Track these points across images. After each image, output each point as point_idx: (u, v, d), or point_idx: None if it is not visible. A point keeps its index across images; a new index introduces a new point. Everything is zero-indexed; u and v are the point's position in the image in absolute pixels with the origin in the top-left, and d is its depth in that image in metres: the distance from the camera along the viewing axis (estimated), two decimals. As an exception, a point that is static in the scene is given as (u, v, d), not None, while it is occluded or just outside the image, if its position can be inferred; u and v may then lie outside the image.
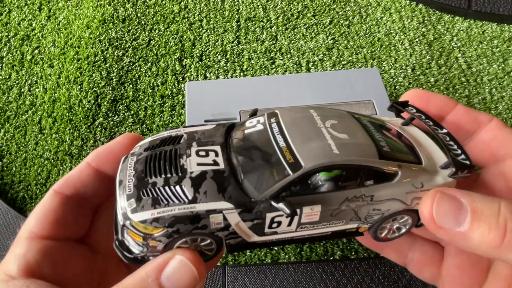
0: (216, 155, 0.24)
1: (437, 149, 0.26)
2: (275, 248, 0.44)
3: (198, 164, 0.23)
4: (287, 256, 0.44)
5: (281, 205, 0.22)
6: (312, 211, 0.23)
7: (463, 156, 0.24)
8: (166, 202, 0.22)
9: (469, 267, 0.27)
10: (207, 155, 0.24)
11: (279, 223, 0.23)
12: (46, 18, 0.65)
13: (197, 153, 0.24)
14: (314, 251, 0.44)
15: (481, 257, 0.27)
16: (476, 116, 0.27)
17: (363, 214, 0.25)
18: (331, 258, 0.44)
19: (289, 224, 0.24)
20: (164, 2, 0.66)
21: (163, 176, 0.23)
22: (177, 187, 0.22)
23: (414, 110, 0.28)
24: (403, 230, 0.27)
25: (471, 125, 0.27)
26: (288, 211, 0.22)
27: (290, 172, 0.22)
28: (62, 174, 0.50)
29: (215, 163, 0.23)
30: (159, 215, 0.21)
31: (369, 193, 0.24)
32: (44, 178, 0.50)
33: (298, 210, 0.23)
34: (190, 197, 0.22)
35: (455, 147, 0.25)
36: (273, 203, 0.22)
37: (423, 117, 0.27)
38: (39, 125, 0.54)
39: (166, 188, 0.22)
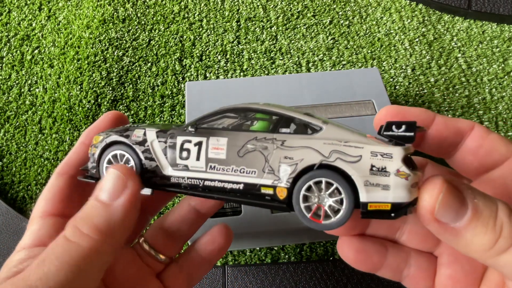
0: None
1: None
2: (275, 248, 0.44)
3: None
4: (287, 256, 0.44)
5: (190, 127, 0.24)
6: (218, 143, 0.24)
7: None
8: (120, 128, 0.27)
9: (462, 278, 0.26)
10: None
11: (188, 152, 0.25)
12: (46, 18, 0.65)
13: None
14: (314, 251, 0.44)
15: (475, 267, 0.26)
16: (457, 126, 0.25)
17: (275, 163, 0.22)
18: (331, 258, 0.44)
19: (198, 158, 0.24)
20: (164, 2, 0.66)
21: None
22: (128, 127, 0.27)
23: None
24: (338, 216, 0.21)
25: (453, 137, 0.25)
26: (192, 128, 0.24)
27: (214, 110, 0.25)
28: (62, 174, 0.50)
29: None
30: (107, 131, 0.27)
31: (281, 138, 0.23)
32: (44, 178, 0.50)
33: (204, 139, 0.24)
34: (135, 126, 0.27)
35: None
36: (185, 128, 0.25)
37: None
38: (39, 125, 0.54)
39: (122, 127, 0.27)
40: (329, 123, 0.23)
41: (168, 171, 0.25)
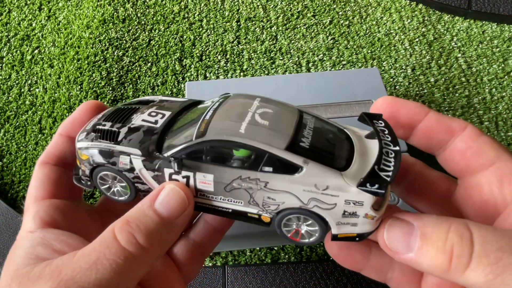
0: (162, 117, 0.28)
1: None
2: (275, 248, 0.44)
3: (143, 120, 0.27)
4: (287, 256, 0.44)
5: (172, 162, 0.25)
6: (205, 179, 0.25)
7: (388, 174, 0.22)
8: (101, 139, 0.26)
9: (448, 284, 0.27)
10: (156, 115, 0.28)
11: (177, 181, 0.25)
12: (46, 18, 0.65)
13: (149, 113, 0.28)
14: (314, 251, 0.44)
15: None
16: (449, 124, 0.26)
17: (259, 200, 0.25)
18: (331, 258, 0.44)
19: (187, 185, 0.25)
20: (164, 2, 0.66)
21: (111, 122, 0.27)
22: (116, 132, 0.27)
23: (383, 124, 0.26)
24: (314, 237, 0.25)
25: (443, 134, 0.26)
26: (175, 167, 0.25)
27: (193, 138, 0.25)
28: (62, 174, 0.50)
29: (155, 122, 0.27)
30: (90, 145, 0.26)
31: (264, 179, 0.24)
32: (44, 178, 0.50)
33: (191, 174, 0.25)
34: (118, 140, 0.26)
35: (391, 164, 0.23)
36: (170, 160, 0.25)
37: (386, 132, 0.25)
38: (39, 125, 0.54)
39: (109, 130, 0.27)
40: (310, 161, 0.23)
41: None
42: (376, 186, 0.22)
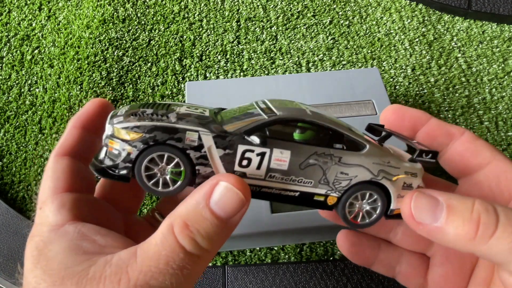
0: (204, 111, 0.26)
1: (407, 155, 0.28)
2: (275, 248, 0.44)
3: (187, 109, 0.26)
4: (287, 256, 0.44)
5: (252, 137, 0.24)
6: (282, 155, 0.24)
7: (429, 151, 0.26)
8: (150, 120, 0.24)
9: (453, 275, 0.29)
10: (197, 109, 0.26)
11: (249, 161, 0.24)
12: (46, 18, 0.65)
13: (187, 107, 0.27)
14: (314, 251, 0.44)
15: (464, 265, 0.29)
16: (449, 129, 0.29)
17: (331, 177, 0.25)
18: (331, 258, 0.44)
19: (258, 167, 0.24)
20: (164, 2, 0.66)
21: (153, 109, 0.25)
22: (163, 116, 0.24)
23: (388, 132, 0.29)
24: (374, 216, 0.27)
25: (443, 137, 0.29)
26: (257, 140, 0.24)
27: (265, 116, 0.25)
28: (62, 174, 0.50)
29: (202, 112, 0.26)
30: (141, 123, 0.23)
31: (338, 154, 0.25)
32: (44, 178, 0.50)
33: (268, 150, 0.24)
34: (173, 121, 0.24)
35: (424, 146, 0.27)
36: (245, 136, 0.24)
37: (396, 134, 0.29)
38: (39, 125, 0.54)
39: (154, 114, 0.24)
40: (369, 142, 0.26)
41: None
42: (430, 155, 0.26)
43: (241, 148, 0.24)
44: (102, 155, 0.25)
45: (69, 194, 0.26)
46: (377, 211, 0.27)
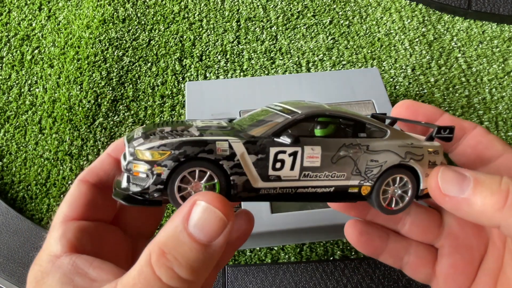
0: (220, 123, 0.26)
1: (421, 137, 0.29)
2: (275, 248, 0.44)
3: (203, 123, 0.25)
4: (287, 256, 0.44)
5: (282, 137, 0.24)
6: (313, 152, 0.25)
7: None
8: (174, 136, 0.23)
9: (461, 266, 0.29)
10: (211, 122, 0.26)
11: (283, 162, 0.24)
12: (46, 18, 0.65)
13: (202, 121, 0.26)
14: (314, 251, 0.44)
15: (473, 256, 0.29)
16: (461, 124, 0.29)
17: (362, 166, 0.26)
18: (331, 258, 0.44)
19: (292, 168, 0.24)
20: (164, 2, 0.66)
21: (170, 126, 0.24)
22: (184, 131, 0.23)
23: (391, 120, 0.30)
24: (406, 200, 0.27)
25: (457, 131, 0.29)
26: (289, 140, 0.24)
27: (289, 117, 0.25)
28: (62, 174, 0.50)
29: (220, 123, 0.26)
30: (166, 141, 0.22)
31: (364, 143, 0.26)
32: (44, 178, 0.50)
33: (299, 149, 0.24)
34: (196, 134, 0.23)
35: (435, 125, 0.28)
36: (275, 138, 0.24)
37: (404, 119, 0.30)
38: (39, 125, 0.54)
39: (174, 131, 0.23)
40: (389, 126, 0.27)
41: (259, 184, 0.24)
42: (448, 131, 0.26)
43: (273, 150, 0.24)
44: (124, 182, 0.24)
45: (77, 222, 0.26)
46: (409, 194, 0.27)
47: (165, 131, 0.24)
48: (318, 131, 0.27)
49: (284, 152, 0.24)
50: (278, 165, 0.24)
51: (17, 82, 0.58)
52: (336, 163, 0.25)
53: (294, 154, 0.24)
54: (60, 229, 0.25)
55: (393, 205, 0.27)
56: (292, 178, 0.24)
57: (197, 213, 0.21)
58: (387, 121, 0.30)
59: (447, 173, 0.24)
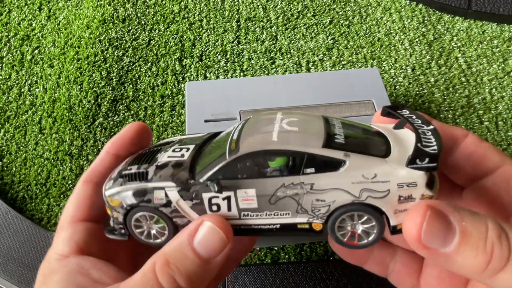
0: (187, 151, 0.27)
1: None
2: (275, 248, 0.44)
3: (168, 157, 0.27)
4: (287, 256, 0.44)
5: (210, 185, 0.24)
6: (247, 195, 0.24)
7: (434, 147, 0.22)
8: (130, 181, 0.26)
9: (447, 279, 0.27)
10: (180, 151, 0.27)
11: (218, 206, 0.24)
12: (46, 18, 0.65)
13: (173, 150, 0.28)
14: (314, 251, 0.44)
15: None
16: (452, 132, 0.27)
17: (307, 205, 0.24)
18: (331, 258, 0.44)
19: (229, 209, 0.24)
20: (164, 2, 0.66)
21: (137, 165, 0.27)
22: (144, 172, 0.26)
23: (408, 112, 0.26)
24: (373, 236, 0.24)
25: (448, 142, 0.27)
26: (215, 188, 0.24)
27: (227, 156, 0.24)
28: (62, 174, 0.50)
29: (182, 156, 0.27)
30: (120, 189, 0.25)
31: (308, 181, 0.23)
32: (44, 178, 0.50)
33: (232, 193, 0.24)
34: (148, 179, 0.25)
35: (432, 140, 0.23)
36: (208, 184, 0.24)
37: (414, 117, 0.26)
38: (39, 125, 0.54)
39: (136, 172, 0.26)
40: (351, 153, 0.23)
41: None
42: (427, 160, 0.22)
43: (205, 196, 0.24)
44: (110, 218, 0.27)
45: (84, 224, 0.27)
46: (375, 230, 0.24)
47: (131, 172, 0.26)
48: (271, 163, 0.24)
49: (217, 197, 0.24)
50: (214, 207, 0.25)
51: (17, 82, 0.58)
52: (276, 204, 0.24)
53: (227, 198, 0.24)
54: (68, 230, 0.27)
55: (355, 241, 0.24)
56: (233, 217, 0.25)
57: (203, 231, 0.23)
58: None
59: (433, 223, 0.20)
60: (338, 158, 0.23)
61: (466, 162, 0.26)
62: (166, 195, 0.25)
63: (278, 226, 0.25)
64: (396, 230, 0.24)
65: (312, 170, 0.23)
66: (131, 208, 0.25)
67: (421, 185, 0.22)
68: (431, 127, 0.24)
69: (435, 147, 0.22)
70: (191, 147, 0.27)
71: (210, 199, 0.24)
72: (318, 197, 0.23)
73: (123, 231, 0.26)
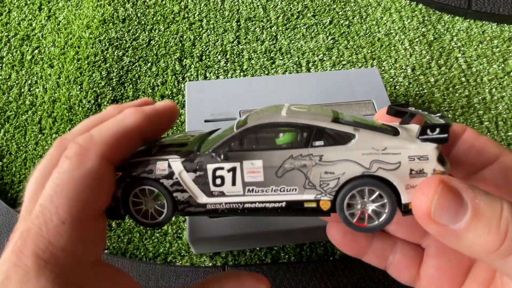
0: (192, 137, 0.27)
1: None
2: (275, 248, 0.44)
3: (173, 140, 0.27)
4: (287, 256, 0.44)
5: (216, 155, 0.23)
6: (253, 166, 0.23)
7: (441, 121, 0.22)
8: (135, 157, 0.25)
9: (448, 269, 0.27)
10: (185, 136, 0.27)
11: (222, 179, 0.24)
12: (46, 18, 0.65)
13: (177, 136, 0.28)
14: (314, 251, 0.44)
15: (462, 260, 0.27)
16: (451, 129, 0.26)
17: (315, 179, 0.23)
18: (331, 258, 0.44)
19: (234, 183, 0.24)
20: (164, 2, 0.66)
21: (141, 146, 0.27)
22: (147, 147, 0.26)
23: (413, 109, 0.26)
24: (384, 216, 0.23)
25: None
26: (221, 157, 0.23)
27: (235, 129, 0.24)
28: (62, 174, 0.50)
29: (187, 139, 0.27)
30: (123, 164, 0.25)
31: (317, 153, 0.23)
32: (44, 178, 0.50)
33: (238, 164, 0.23)
34: (152, 154, 0.25)
35: (440, 120, 0.22)
36: (214, 155, 0.23)
37: (420, 110, 0.26)
38: (39, 125, 0.54)
39: (139, 150, 0.26)
40: (360, 128, 0.23)
41: (203, 199, 0.24)
42: (437, 130, 0.21)
43: (210, 167, 0.23)
44: None
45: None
46: (387, 209, 0.22)
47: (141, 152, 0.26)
48: (278, 140, 0.24)
49: (222, 168, 0.23)
50: (218, 181, 0.24)
51: (17, 82, 0.58)
52: (283, 177, 0.23)
53: (233, 170, 0.23)
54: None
55: (365, 222, 0.23)
56: (237, 193, 0.24)
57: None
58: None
59: (445, 197, 0.19)
60: (347, 132, 0.23)
61: (465, 155, 0.26)
62: (169, 166, 0.24)
63: (284, 204, 0.24)
64: (407, 210, 0.22)
65: (321, 143, 0.23)
66: (131, 180, 0.24)
67: (433, 159, 0.22)
68: (438, 114, 0.24)
69: (444, 121, 0.22)
70: (196, 134, 0.28)
71: (214, 171, 0.23)
72: (327, 169, 0.23)
73: (121, 210, 0.25)
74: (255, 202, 0.24)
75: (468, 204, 0.19)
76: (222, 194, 0.24)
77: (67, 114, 0.54)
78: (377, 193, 0.22)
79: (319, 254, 0.44)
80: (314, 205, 0.23)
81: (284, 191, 0.23)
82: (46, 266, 0.19)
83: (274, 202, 0.24)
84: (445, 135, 0.21)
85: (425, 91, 0.56)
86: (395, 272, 0.29)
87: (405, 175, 0.22)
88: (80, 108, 0.55)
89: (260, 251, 0.44)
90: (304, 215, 0.24)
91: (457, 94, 0.56)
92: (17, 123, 0.54)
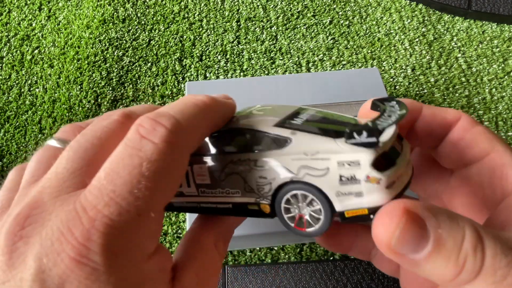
0: None
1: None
2: (275, 248, 0.44)
3: None
4: (287, 256, 0.44)
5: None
6: (201, 170, 0.24)
7: (385, 124, 0.20)
8: None
9: None
10: None
11: (183, 180, 0.25)
12: (46, 18, 0.65)
13: None
14: (314, 251, 0.44)
15: None
16: (444, 117, 0.24)
17: (252, 183, 0.23)
18: (331, 258, 0.44)
19: (188, 185, 0.25)
20: (164, 2, 0.66)
21: None
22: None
23: (395, 102, 0.24)
24: (319, 223, 0.22)
25: (441, 129, 0.24)
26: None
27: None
28: (62, 174, 0.50)
29: None
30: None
31: (254, 157, 0.23)
32: (44, 178, 0.50)
33: (189, 168, 0.25)
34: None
35: (390, 119, 0.20)
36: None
37: (394, 103, 0.23)
38: (39, 125, 0.54)
39: None
40: (298, 132, 0.22)
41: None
42: (365, 134, 0.19)
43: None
44: None
45: None
46: (322, 214, 0.22)
47: None
48: (228, 146, 0.24)
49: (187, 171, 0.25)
50: (183, 183, 0.25)
51: (17, 82, 0.58)
52: (225, 181, 0.24)
53: (186, 173, 0.25)
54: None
55: (304, 227, 0.23)
56: (193, 194, 0.25)
57: None
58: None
59: (408, 231, 0.18)
60: (283, 136, 0.22)
61: (452, 148, 0.24)
62: None
63: (230, 205, 0.24)
64: (345, 218, 0.21)
65: (260, 147, 0.22)
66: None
67: (365, 164, 0.20)
68: (403, 111, 0.22)
69: (386, 123, 0.20)
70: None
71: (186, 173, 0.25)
72: (261, 174, 0.22)
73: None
74: (207, 203, 0.25)
75: (430, 236, 0.18)
76: (182, 194, 0.26)
77: (67, 114, 0.54)
78: (310, 197, 0.22)
79: (319, 254, 0.44)
80: (256, 208, 0.24)
81: (229, 193, 0.24)
82: (117, 262, 0.18)
83: (223, 203, 0.25)
84: (373, 139, 0.19)
85: (425, 91, 0.56)
86: (379, 264, 0.29)
87: (334, 181, 0.20)
88: (80, 108, 0.55)
89: (260, 251, 0.44)
90: (253, 216, 0.24)
91: (457, 94, 0.56)
92: (17, 123, 0.54)
